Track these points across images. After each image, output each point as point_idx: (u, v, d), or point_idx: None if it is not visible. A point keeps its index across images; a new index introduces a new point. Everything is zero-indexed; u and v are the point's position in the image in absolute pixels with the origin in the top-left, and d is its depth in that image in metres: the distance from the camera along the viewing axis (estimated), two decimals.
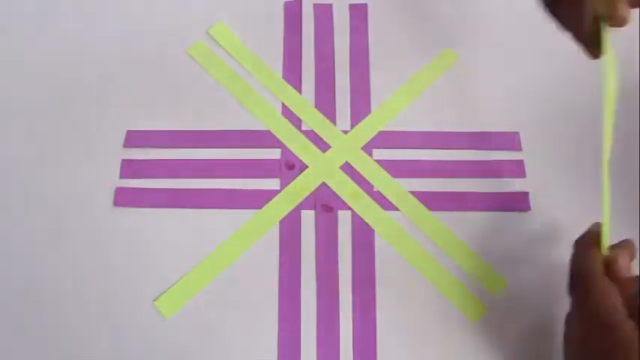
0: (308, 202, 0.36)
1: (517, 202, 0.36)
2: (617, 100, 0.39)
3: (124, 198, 0.36)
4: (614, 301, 0.27)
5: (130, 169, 0.37)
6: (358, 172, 0.37)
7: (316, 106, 0.39)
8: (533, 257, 0.35)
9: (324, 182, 0.37)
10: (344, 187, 0.37)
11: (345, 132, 0.39)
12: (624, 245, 0.30)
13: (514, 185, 0.37)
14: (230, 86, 0.40)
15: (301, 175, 0.37)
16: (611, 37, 0.31)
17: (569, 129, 0.38)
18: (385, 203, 0.36)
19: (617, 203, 0.36)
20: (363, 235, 0.36)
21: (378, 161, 0.38)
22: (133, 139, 0.38)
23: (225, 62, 0.41)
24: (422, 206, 0.36)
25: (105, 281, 0.34)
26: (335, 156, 0.38)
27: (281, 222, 0.36)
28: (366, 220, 0.36)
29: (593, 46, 0.31)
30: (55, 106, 0.39)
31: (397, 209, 0.36)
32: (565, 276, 0.34)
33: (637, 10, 0.30)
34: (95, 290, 0.34)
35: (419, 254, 0.35)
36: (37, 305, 0.34)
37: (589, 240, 0.30)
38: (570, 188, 0.37)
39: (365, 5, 0.43)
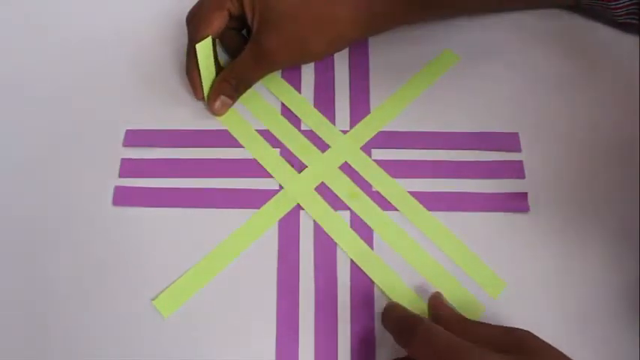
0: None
1: (516, 203, 0.36)
2: (617, 101, 0.39)
3: (123, 197, 0.36)
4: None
5: (129, 168, 0.37)
6: (357, 172, 0.37)
7: (315, 106, 0.39)
8: (532, 258, 0.35)
9: (323, 182, 0.37)
10: (343, 187, 0.37)
11: (345, 132, 0.39)
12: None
13: (513, 186, 0.37)
14: None
15: (299, 175, 0.37)
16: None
17: (568, 129, 0.38)
18: (384, 203, 0.36)
19: (618, 203, 0.36)
20: (362, 235, 0.36)
21: (377, 161, 0.38)
22: (132, 138, 0.38)
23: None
24: (421, 206, 0.36)
25: (103, 280, 0.35)
26: (334, 156, 0.38)
27: (280, 222, 0.36)
28: (364, 220, 0.36)
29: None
30: (53, 105, 0.39)
31: (396, 209, 0.36)
32: (563, 276, 0.35)
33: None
34: (93, 289, 0.34)
35: (417, 254, 0.35)
36: (34, 304, 0.34)
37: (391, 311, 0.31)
38: (569, 189, 0.37)
39: None
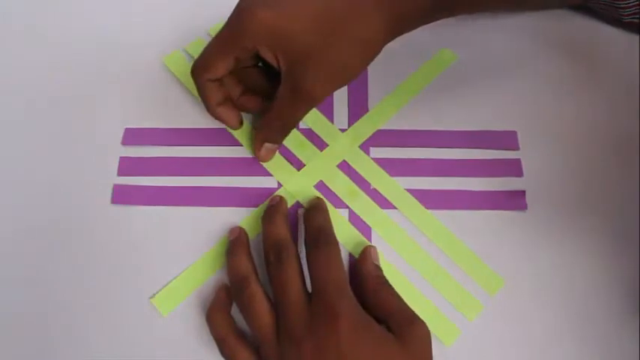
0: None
1: (514, 201, 0.36)
2: (617, 100, 0.39)
3: (121, 195, 0.37)
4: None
5: (127, 166, 0.37)
6: (356, 171, 0.37)
7: None
8: (530, 256, 0.35)
9: (321, 180, 0.37)
10: (341, 186, 0.37)
11: (343, 130, 0.39)
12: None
13: (511, 184, 0.37)
14: None
15: (298, 174, 0.37)
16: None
17: (567, 128, 0.38)
18: (383, 202, 0.36)
19: (617, 202, 0.36)
20: (360, 233, 0.36)
21: (375, 160, 0.38)
22: (131, 136, 0.38)
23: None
24: (419, 205, 0.36)
25: (102, 278, 0.35)
26: (332, 154, 0.38)
27: None
28: (363, 219, 0.36)
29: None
30: (52, 105, 0.40)
31: (394, 207, 0.36)
32: (561, 274, 0.34)
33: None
34: (92, 287, 0.34)
35: (416, 252, 0.35)
36: (33, 302, 0.34)
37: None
38: (567, 188, 0.37)
39: None
